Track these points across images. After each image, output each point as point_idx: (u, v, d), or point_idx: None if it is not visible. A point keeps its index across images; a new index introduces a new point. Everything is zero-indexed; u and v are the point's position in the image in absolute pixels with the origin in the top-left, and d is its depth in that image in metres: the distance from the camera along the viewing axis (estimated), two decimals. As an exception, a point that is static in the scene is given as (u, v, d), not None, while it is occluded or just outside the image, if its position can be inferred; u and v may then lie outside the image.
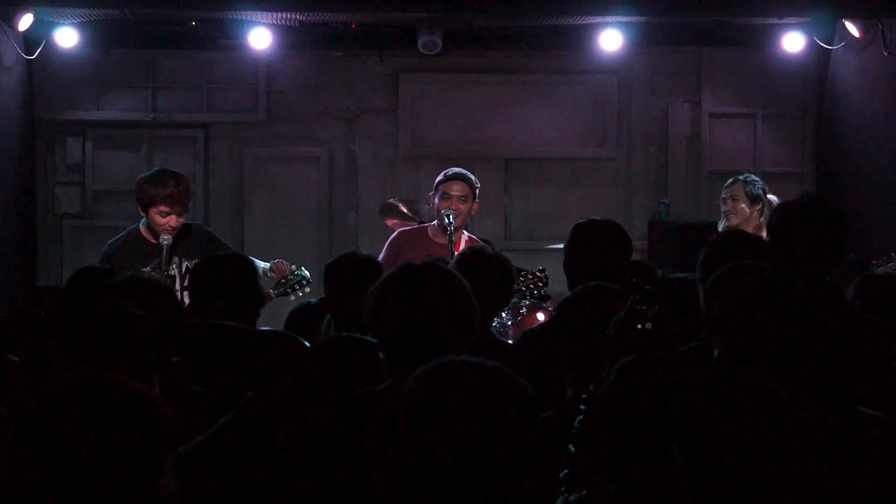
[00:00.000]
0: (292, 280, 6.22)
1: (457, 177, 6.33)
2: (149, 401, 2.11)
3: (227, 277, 4.00)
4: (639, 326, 3.14)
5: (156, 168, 6.37)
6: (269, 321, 5.03)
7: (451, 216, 6.19)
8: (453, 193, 6.27)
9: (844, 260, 4.23)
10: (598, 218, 4.53)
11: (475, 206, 6.43)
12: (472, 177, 6.42)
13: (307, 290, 6.23)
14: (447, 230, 6.17)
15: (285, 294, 6.18)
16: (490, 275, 4.36)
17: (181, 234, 6.04)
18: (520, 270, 5.71)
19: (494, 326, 5.43)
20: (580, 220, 4.49)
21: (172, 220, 5.96)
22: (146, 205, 5.99)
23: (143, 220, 6.12)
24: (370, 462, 2.64)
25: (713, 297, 3.39)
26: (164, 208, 5.97)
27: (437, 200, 6.34)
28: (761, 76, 9.18)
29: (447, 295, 2.84)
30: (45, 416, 2.05)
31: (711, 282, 3.51)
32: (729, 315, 2.84)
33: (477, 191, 6.40)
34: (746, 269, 3.47)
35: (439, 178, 6.40)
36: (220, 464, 2.82)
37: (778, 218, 4.09)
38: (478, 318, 2.92)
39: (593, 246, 4.34)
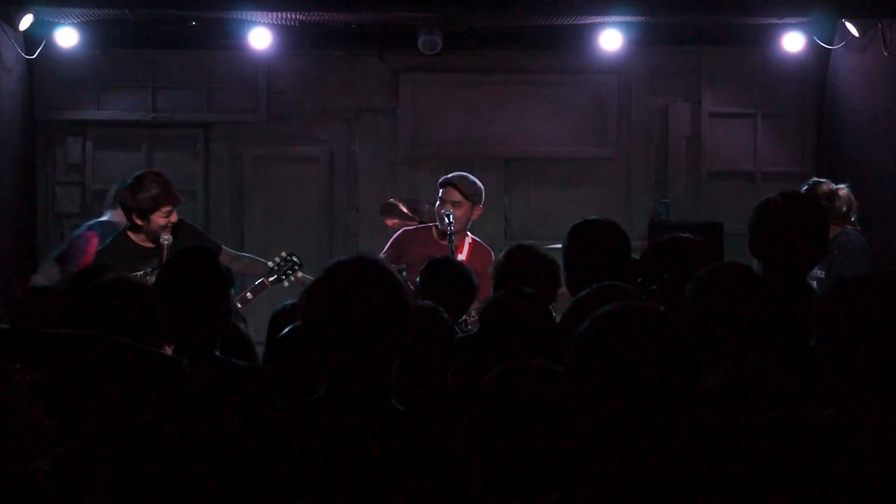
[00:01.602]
0: (284, 266, 6.22)
1: (447, 182, 6.41)
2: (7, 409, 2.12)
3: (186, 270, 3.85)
4: None
5: (133, 176, 6.28)
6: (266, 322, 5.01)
7: (450, 216, 6.22)
8: (446, 199, 6.35)
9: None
10: (596, 218, 4.54)
11: (478, 210, 6.44)
12: (469, 181, 6.43)
13: (300, 274, 6.24)
14: (447, 230, 6.20)
15: (279, 281, 6.18)
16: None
17: (173, 232, 6.06)
18: None
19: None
20: (578, 221, 4.49)
21: (174, 216, 6.02)
22: (147, 211, 5.98)
23: (126, 226, 6.12)
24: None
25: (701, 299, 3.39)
26: (167, 208, 6.00)
27: (437, 203, 6.41)
28: (761, 76, 9.18)
29: (377, 293, 2.65)
30: None
31: (695, 284, 3.50)
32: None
33: (476, 196, 6.40)
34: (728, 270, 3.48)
35: (439, 181, 6.49)
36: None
37: (756, 216, 4.07)
38: (412, 316, 2.74)
39: (592, 246, 4.34)
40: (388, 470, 2.56)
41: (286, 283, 6.15)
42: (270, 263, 6.24)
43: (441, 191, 6.42)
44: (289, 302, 4.50)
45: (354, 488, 2.55)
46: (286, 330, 3.86)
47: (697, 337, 3.25)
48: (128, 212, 6.05)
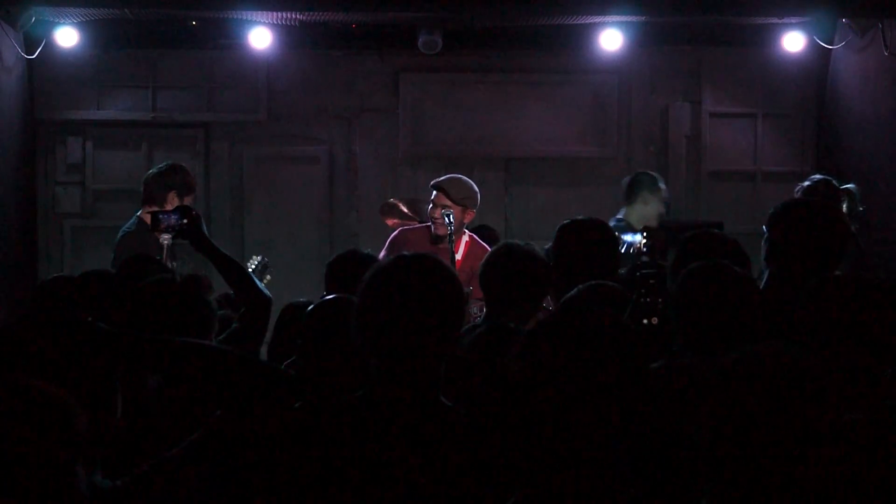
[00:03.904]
0: (257, 269, 6.30)
1: (437, 186, 6.45)
2: (60, 404, 2.16)
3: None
4: (645, 321, 3.15)
5: (167, 162, 6.64)
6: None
7: (450, 215, 6.22)
8: (436, 203, 6.39)
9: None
10: (584, 217, 4.53)
11: (469, 214, 6.37)
12: (459, 185, 6.37)
13: (269, 275, 6.34)
14: (447, 232, 6.20)
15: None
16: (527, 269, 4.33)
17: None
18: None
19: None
20: (565, 221, 4.48)
21: None
22: (187, 192, 6.31)
23: (137, 218, 6.24)
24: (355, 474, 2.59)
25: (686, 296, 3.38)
26: (192, 196, 6.35)
27: (429, 207, 6.44)
28: (761, 76, 9.18)
29: (436, 288, 2.67)
30: None
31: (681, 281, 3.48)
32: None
33: (467, 200, 6.32)
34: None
35: (431, 184, 6.51)
36: (182, 482, 2.77)
37: (777, 219, 4.05)
38: (465, 311, 2.80)
39: (579, 245, 4.33)
40: (437, 466, 2.57)
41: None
42: (251, 266, 6.33)
43: (433, 194, 6.41)
44: (298, 299, 4.51)
45: (403, 484, 2.56)
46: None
47: (679, 331, 3.26)
48: (165, 190, 6.29)
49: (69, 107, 9.04)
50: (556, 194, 9.30)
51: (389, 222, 7.42)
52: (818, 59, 8.95)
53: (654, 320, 3.18)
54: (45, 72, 8.84)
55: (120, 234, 6.41)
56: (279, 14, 8.21)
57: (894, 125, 7.91)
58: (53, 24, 8.38)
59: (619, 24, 8.39)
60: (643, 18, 8.34)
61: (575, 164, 9.35)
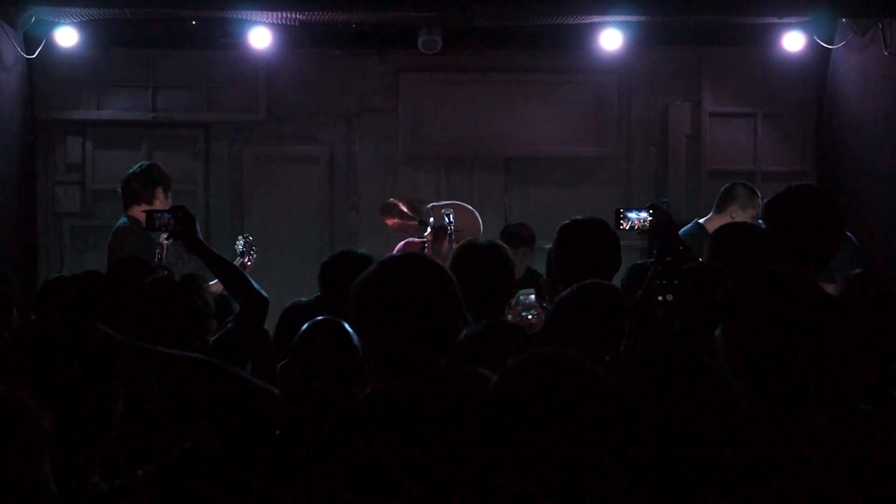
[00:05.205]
0: (245, 250, 6.36)
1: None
2: (18, 404, 2.16)
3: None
4: (660, 298, 3.16)
5: (144, 162, 6.79)
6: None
7: (450, 215, 6.24)
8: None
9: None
10: (584, 217, 4.53)
11: (435, 236, 6.40)
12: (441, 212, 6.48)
13: (255, 252, 6.41)
14: (448, 229, 6.23)
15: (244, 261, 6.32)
16: (489, 264, 4.34)
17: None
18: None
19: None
20: (565, 221, 4.48)
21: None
22: (167, 186, 6.42)
23: (125, 215, 6.33)
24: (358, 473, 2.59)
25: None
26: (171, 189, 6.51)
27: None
28: (761, 76, 9.18)
29: (433, 287, 2.68)
30: None
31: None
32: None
33: (448, 222, 6.35)
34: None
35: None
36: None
37: (775, 208, 4.06)
38: (463, 310, 2.79)
39: (579, 245, 4.33)
40: (437, 466, 2.57)
41: (249, 263, 6.30)
42: (238, 246, 6.39)
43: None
44: (300, 299, 4.51)
45: (403, 484, 2.56)
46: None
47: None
48: (152, 186, 6.42)
49: (69, 106, 9.04)
50: (556, 194, 9.30)
51: (389, 222, 7.42)
52: (818, 58, 8.95)
53: (669, 297, 3.19)
54: (45, 71, 8.85)
55: (114, 231, 6.43)
56: (279, 14, 8.22)
57: (894, 125, 7.91)
58: (53, 24, 8.38)
59: (619, 24, 8.40)
60: (643, 18, 8.34)
61: (575, 164, 9.35)
